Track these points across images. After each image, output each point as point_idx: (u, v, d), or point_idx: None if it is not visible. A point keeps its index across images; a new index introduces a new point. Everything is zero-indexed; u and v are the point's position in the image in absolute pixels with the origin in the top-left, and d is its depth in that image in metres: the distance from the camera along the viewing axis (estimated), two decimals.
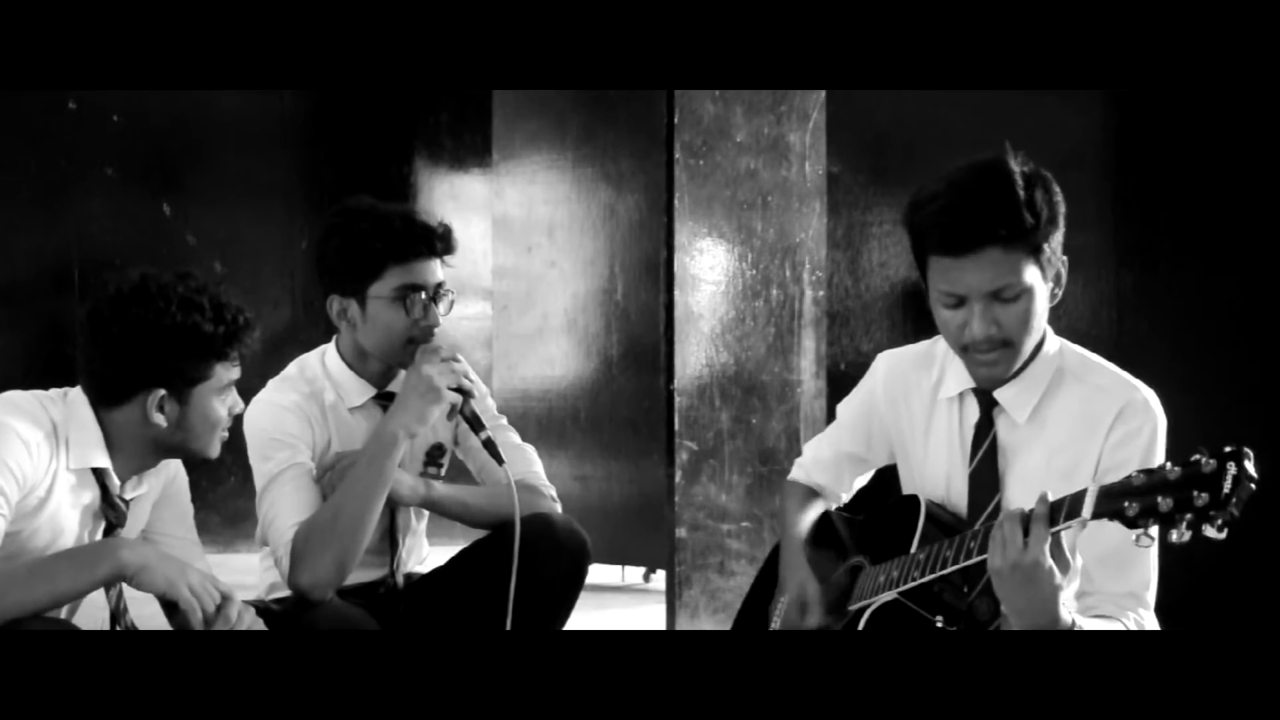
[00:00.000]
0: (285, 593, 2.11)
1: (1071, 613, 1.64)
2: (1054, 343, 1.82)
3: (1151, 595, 1.76)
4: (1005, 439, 1.82)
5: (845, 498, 2.15)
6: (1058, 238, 1.74)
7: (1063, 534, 1.60)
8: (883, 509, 1.99)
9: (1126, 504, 1.48)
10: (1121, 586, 1.75)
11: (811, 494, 2.13)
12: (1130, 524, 1.48)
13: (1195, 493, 1.43)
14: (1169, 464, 1.47)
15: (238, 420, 2.16)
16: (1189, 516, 1.43)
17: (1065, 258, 1.75)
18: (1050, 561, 1.58)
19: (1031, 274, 1.71)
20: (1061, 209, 1.74)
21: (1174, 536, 1.44)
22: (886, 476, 2.06)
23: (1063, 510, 1.56)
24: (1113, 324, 2.97)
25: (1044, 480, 1.64)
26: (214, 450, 1.93)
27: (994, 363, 1.77)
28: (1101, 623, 1.72)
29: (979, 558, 1.66)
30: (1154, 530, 1.48)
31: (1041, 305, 1.74)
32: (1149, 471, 1.48)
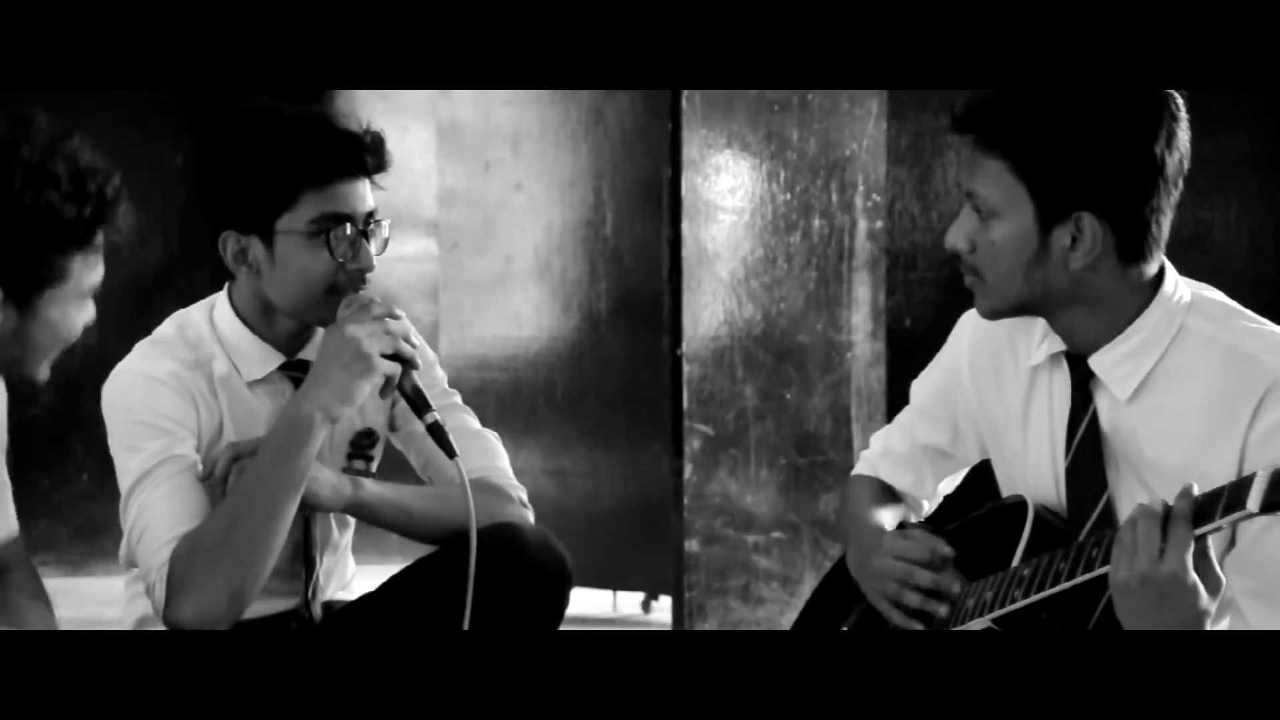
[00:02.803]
0: (158, 628, 2.11)
1: None
2: (1176, 291, 1.83)
3: None
4: (1109, 422, 1.83)
5: (928, 506, 2.15)
6: (1103, 193, 1.77)
7: (1211, 541, 1.61)
8: (975, 518, 2.00)
9: None
10: None
11: (887, 490, 2.14)
12: None
13: None
14: None
15: (92, 390, 2.14)
16: None
17: (1102, 228, 1.77)
18: (1194, 577, 1.60)
19: (1015, 200, 1.78)
20: (1124, 169, 1.76)
21: None
22: (983, 479, 2.06)
23: (1219, 503, 1.57)
24: (1278, 261, 2.97)
25: (1163, 479, 1.66)
26: (44, 373, 1.92)
27: (972, 287, 1.87)
28: None
29: (1102, 569, 1.68)
30: None
31: (1024, 251, 1.79)
32: None
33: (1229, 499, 1.57)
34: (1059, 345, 1.87)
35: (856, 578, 2.03)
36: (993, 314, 1.87)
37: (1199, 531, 1.60)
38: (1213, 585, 1.62)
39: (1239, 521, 1.58)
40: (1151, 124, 1.76)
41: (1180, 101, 1.79)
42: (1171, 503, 1.62)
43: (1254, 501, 1.54)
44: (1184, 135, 1.78)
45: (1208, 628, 1.62)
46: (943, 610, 1.90)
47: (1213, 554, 1.63)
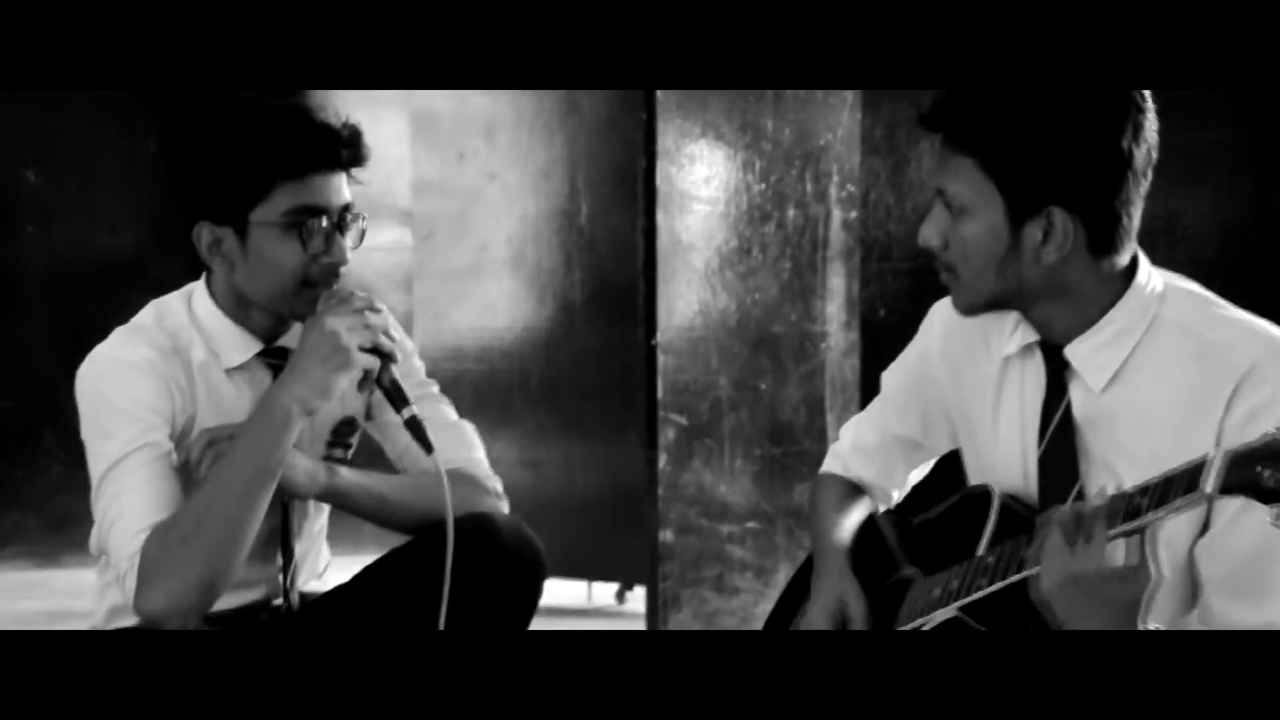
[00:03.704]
0: (130, 620, 2.11)
1: None
2: (1149, 281, 1.84)
3: None
4: (1083, 412, 1.84)
5: (897, 496, 2.17)
6: (1067, 186, 1.77)
7: (1153, 534, 1.63)
8: (943, 507, 2.01)
9: (1262, 470, 1.51)
10: (1254, 618, 1.77)
11: (853, 491, 2.16)
12: (1268, 498, 1.51)
13: None
14: None
15: (65, 381, 2.13)
16: None
17: (1073, 222, 1.78)
18: (1115, 570, 1.62)
19: (985, 196, 1.78)
20: (1090, 167, 1.77)
21: None
22: (951, 468, 2.07)
23: (1177, 486, 1.58)
24: (1250, 252, 2.98)
25: (1136, 468, 1.68)
26: None
27: (947, 283, 1.87)
28: None
29: None
30: None
31: (994, 245, 1.80)
32: None
33: (1186, 482, 1.58)
34: (1032, 335, 1.88)
35: (813, 586, 2.06)
36: (969, 309, 1.88)
37: (1129, 527, 1.61)
38: (1145, 578, 1.63)
39: (1192, 506, 1.58)
40: (1118, 118, 1.77)
41: (1146, 93, 1.80)
42: (1092, 502, 1.64)
43: (1210, 484, 1.55)
44: (1151, 127, 1.79)
45: (1139, 621, 1.64)
46: None
47: (1149, 547, 1.64)
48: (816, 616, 2.02)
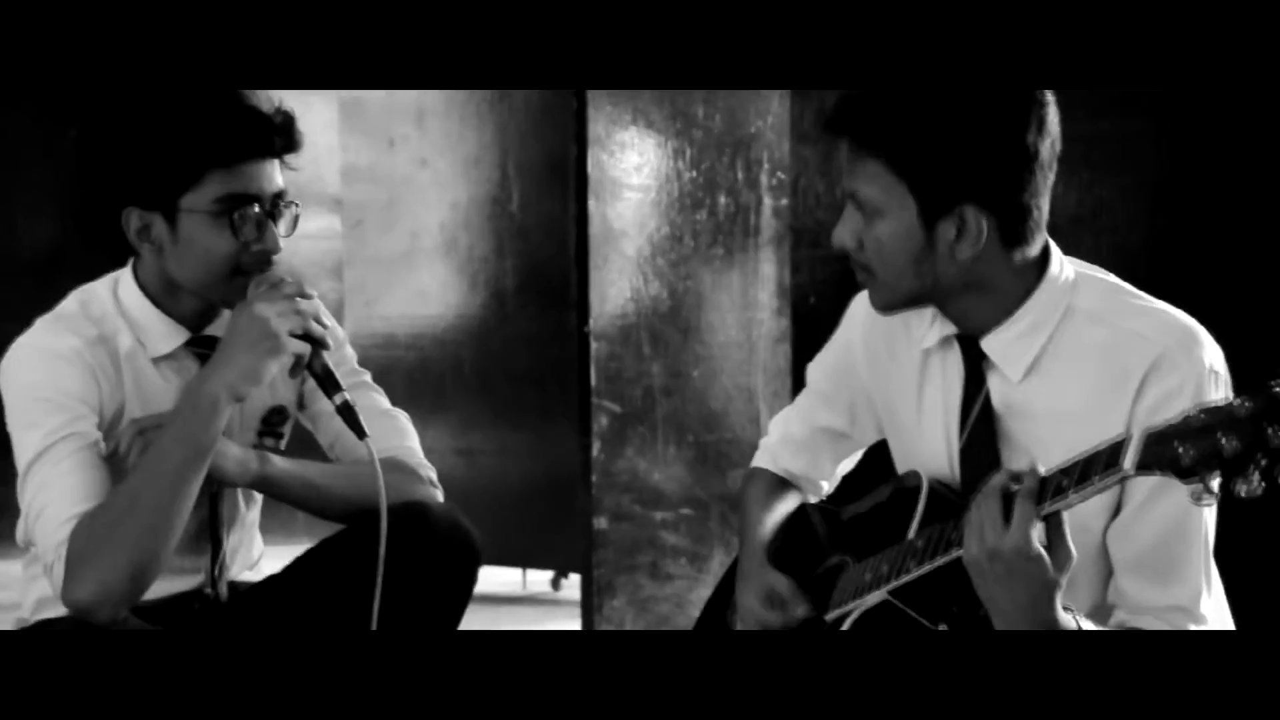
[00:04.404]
0: (58, 611, 2.09)
1: (1077, 617, 1.70)
2: (1062, 271, 1.86)
3: (1209, 607, 1.82)
4: (1002, 402, 1.87)
5: (827, 487, 2.20)
6: (978, 183, 1.79)
7: (1065, 516, 1.66)
8: (873, 495, 2.03)
9: (1180, 448, 1.53)
10: (1165, 598, 1.80)
11: (781, 485, 2.18)
12: (1185, 474, 1.53)
13: (1272, 428, 1.47)
14: (1237, 397, 1.53)
15: None
16: (1263, 460, 1.48)
17: (984, 218, 1.80)
18: (1038, 548, 1.64)
19: (896, 197, 1.79)
20: (998, 158, 1.78)
21: (1241, 489, 1.49)
22: (880, 459, 2.09)
23: (1098, 464, 1.61)
24: (1175, 239, 3.02)
25: (1054, 455, 1.70)
26: None
27: (864, 283, 1.89)
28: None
29: None
30: (1215, 483, 1.53)
31: (909, 245, 1.81)
32: (1210, 409, 1.53)
33: (1107, 459, 1.61)
34: (950, 329, 1.90)
35: (737, 585, 2.08)
36: (887, 308, 1.89)
37: (1054, 507, 1.64)
38: (1062, 558, 1.66)
39: (1112, 484, 1.61)
40: (1021, 114, 1.79)
41: None
42: (1022, 479, 1.67)
43: (1129, 461, 1.57)
44: (1053, 118, 1.81)
45: (1057, 599, 1.67)
46: None
47: (1066, 528, 1.67)
48: (747, 603, 2.03)
